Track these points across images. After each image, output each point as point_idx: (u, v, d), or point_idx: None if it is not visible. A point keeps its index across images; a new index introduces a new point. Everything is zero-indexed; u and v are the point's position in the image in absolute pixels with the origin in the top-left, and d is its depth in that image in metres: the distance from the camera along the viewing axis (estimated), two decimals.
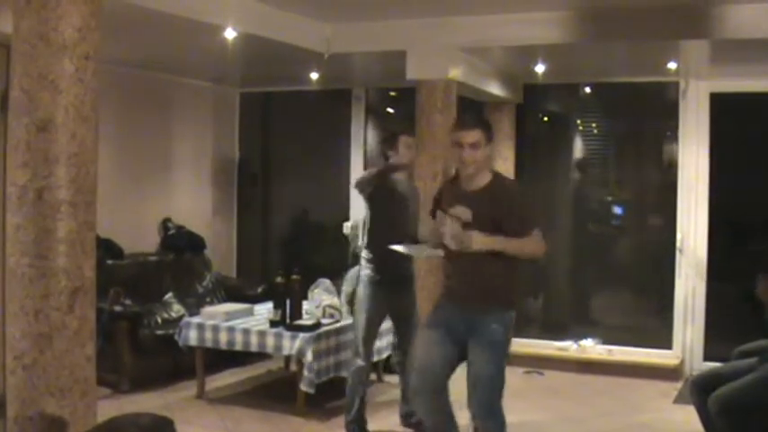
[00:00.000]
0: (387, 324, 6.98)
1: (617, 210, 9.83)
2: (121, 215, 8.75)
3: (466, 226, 4.95)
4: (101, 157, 4.60)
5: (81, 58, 4.33)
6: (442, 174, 7.62)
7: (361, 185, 6.44)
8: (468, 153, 5.03)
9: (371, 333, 6.55)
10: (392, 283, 6.50)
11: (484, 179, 5.14)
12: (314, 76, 9.25)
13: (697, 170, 8.85)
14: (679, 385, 8.38)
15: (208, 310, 7.88)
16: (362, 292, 6.53)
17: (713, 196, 8.81)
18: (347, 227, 9.81)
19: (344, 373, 7.11)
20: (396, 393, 7.16)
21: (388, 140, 6.55)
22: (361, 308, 6.53)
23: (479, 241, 4.91)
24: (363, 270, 6.56)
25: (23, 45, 4.27)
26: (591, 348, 9.20)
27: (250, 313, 7.86)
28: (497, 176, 5.25)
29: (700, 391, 5.60)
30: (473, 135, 5.03)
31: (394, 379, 7.59)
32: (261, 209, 11.20)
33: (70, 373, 4.34)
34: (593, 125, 10.00)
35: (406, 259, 6.41)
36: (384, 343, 7.57)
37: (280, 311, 7.36)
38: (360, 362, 6.49)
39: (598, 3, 6.86)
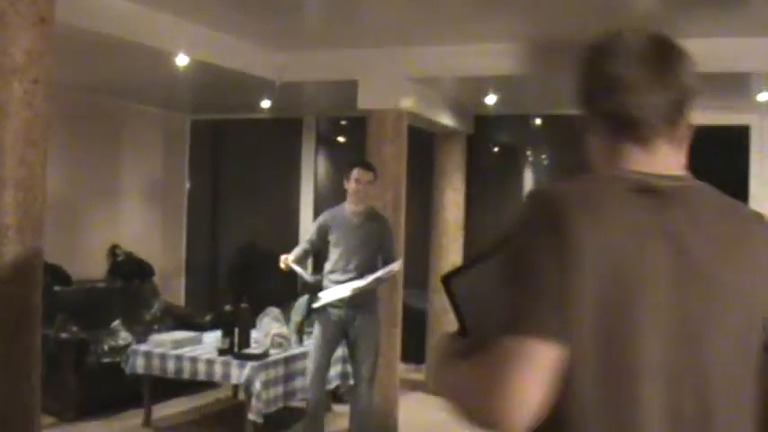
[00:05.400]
0: (337, 353, 7.00)
1: None
2: (69, 241, 8.66)
3: None
4: (48, 182, 4.55)
5: (30, 81, 4.29)
6: (393, 204, 7.64)
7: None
8: None
9: (320, 360, 6.55)
10: (340, 310, 6.51)
11: None
12: (265, 104, 9.24)
13: None
14: None
15: (155, 337, 7.80)
16: (315, 318, 6.59)
17: None
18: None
19: (293, 403, 7.09)
20: (345, 423, 7.13)
21: (345, 171, 6.63)
22: (313, 334, 6.59)
23: None
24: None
25: None
26: None
27: (198, 341, 7.79)
28: None
29: None
30: None
31: (341, 408, 7.56)
32: (210, 236, 11.14)
33: (14, 401, 4.27)
34: (544, 156, 10.08)
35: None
36: (332, 372, 7.53)
37: (228, 340, 7.30)
38: (314, 393, 6.49)
39: (548, 35, 6.93)
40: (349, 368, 7.19)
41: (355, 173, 6.55)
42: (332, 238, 6.60)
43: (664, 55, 1.76)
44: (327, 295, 6.44)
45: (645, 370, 1.56)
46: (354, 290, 6.40)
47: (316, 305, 6.49)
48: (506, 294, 1.59)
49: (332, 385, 7.78)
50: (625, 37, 1.76)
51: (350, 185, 6.57)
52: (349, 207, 6.64)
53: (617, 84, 1.73)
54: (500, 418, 1.51)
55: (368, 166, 6.71)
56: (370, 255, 6.61)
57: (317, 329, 6.59)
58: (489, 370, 1.54)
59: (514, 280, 1.58)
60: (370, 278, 6.44)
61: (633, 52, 1.74)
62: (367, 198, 6.67)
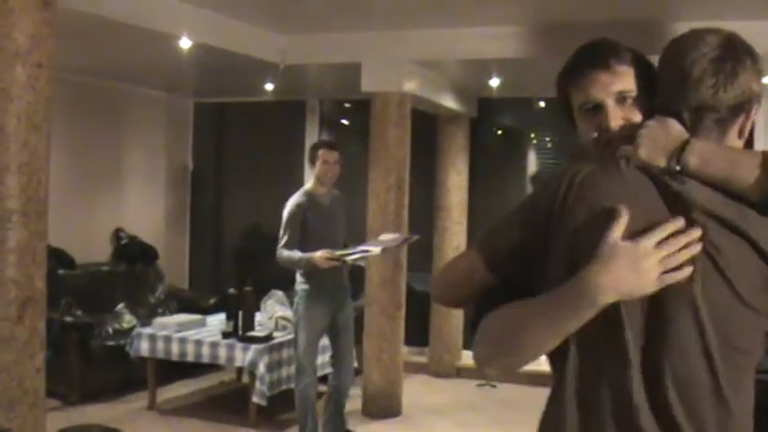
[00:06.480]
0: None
1: None
2: (73, 225, 8.66)
3: None
4: (52, 166, 4.55)
5: (33, 65, 4.29)
6: (396, 186, 7.64)
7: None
8: None
9: (313, 348, 6.54)
10: (330, 296, 6.52)
11: None
12: (269, 87, 9.22)
13: None
14: None
15: (160, 320, 7.83)
16: (301, 307, 6.51)
17: None
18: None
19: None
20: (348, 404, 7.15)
21: (310, 153, 6.66)
22: (300, 324, 6.51)
23: None
24: (299, 285, 6.55)
25: None
26: (543, 360, 9.23)
27: (202, 324, 7.81)
28: None
29: None
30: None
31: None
32: (214, 220, 11.15)
33: (19, 385, 4.29)
34: (547, 139, 10.06)
35: (340, 271, 6.56)
36: None
37: (232, 323, 7.33)
38: (306, 379, 6.48)
39: (552, 18, 6.91)
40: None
41: (321, 154, 6.54)
42: (309, 225, 6.50)
43: (732, 58, 1.80)
44: (356, 254, 6.32)
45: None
46: (385, 250, 6.39)
47: (349, 259, 6.32)
48: (495, 222, 2.01)
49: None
50: (698, 37, 1.82)
51: (317, 168, 6.56)
52: (317, 190, 6.62)
53: (682, 82, 1.80)
54: (434, 292, 2.18)
55: (332, 146, 6.70)
56: (342, 233, 6.70)
57: (305, 317, 6.50)
58: (451, 261, 2.11)
59: (506, 217, 1.97)
60: (396, 241, 6.51)
61: (702, 53, 1.79)
62: (335, 178, 6.66)
